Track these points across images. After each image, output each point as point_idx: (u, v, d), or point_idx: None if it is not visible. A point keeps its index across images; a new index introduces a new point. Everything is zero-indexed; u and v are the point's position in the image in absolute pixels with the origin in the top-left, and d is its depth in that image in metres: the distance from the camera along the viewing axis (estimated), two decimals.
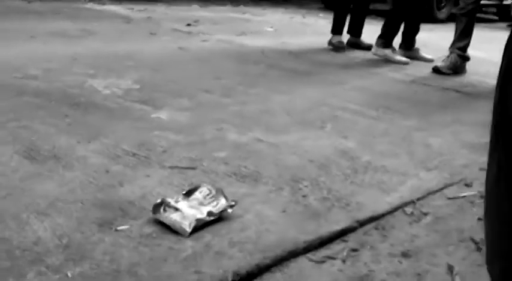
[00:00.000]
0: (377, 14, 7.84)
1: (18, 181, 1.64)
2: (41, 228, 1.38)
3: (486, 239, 0.78)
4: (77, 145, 1.96)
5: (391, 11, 4.67)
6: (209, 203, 1.52)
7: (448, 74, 3.99)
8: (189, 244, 1.37)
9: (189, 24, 5.56)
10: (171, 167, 1.84)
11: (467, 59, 4.18)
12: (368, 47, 4.87)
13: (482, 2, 8.74)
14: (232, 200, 1.55)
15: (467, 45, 4.13)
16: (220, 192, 1.56)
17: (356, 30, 5.04)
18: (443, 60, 4.10)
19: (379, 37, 4.47)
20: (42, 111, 2.31)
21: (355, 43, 5.01)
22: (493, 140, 0.75)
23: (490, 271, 0.76)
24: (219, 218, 1.49)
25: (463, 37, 4.08)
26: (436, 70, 4.04)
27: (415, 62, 4.47)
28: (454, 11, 9.17)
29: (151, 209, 1.48)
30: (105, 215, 1.47)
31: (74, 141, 2.00)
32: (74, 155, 1.87)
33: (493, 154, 0.75)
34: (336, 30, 4.89)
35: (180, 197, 1.54)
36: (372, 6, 5.54)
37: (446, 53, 4.15)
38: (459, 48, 4.10)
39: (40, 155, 1.84)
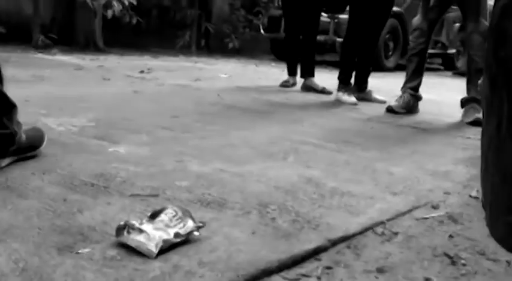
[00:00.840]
0: (327, 64, 8.00)
1: None
2: None
3: (486, 200, 0.76)
4: (32, 176, 1.87)
5: (342, 53, 4.78)
6: (175, 225, 1.44)
7: (402, 113, 4.04)
8: (156, 265, 1.29)
9: (142, 71, 5.53)
10: (133, 195, 1.76)
11: (419, 98, 4.25)
12: (322, 90, 4.97)
13: (428, 51, 9.09)
14: (200, 222, 1.48)
15: (419, 85, 4.22)
16: (187, 214, 1.49)
17: (307, 71, 5.21)
18: (396, 100, 4.16)
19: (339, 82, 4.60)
20: None
21: (310, 86, 5.11)
22: (489, 98, 0.74)
23: (494, 233, 0.74)
24: (186, 240, 1.42)
25: (414, 77, 4.17)
26: (390, 110, 4.10)
27: (369, 103, 4.53)
28: (400, 61, 9.47)
29: (114, 232, 1.40)
30: (65, 239, 1.38)
31: (28, 173, 1.90)
32: (28, 186, 1.77)
33: (489, 111, 0.74)
34: (289, 71, 5.12)
35: (145, 220, 1.46)
36: (321, 58, 5.71)
37: (396, 97, 4.22)
38: (411, 88, 4.18)
39: None
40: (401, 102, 4.12)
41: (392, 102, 4.15)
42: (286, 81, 5.34)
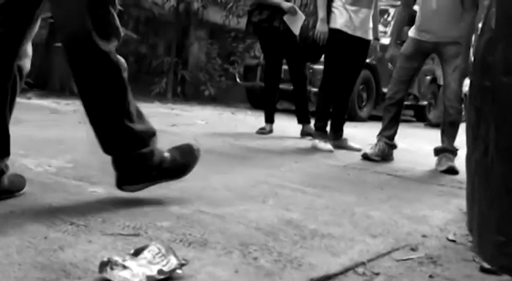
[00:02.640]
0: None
1: None
2: None
3: (473, 224, 0.79)
4: (10, 215, 1.85)
5: (318, 102, 4.87)
6: (159, 262, 1.44)
7: (377, 161, 4.10)
8: None
9: None
10: (114, 234, 1.75)
11: (394, 147, 4.33)
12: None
13: None
14: (183, 259, 1.48)
15: (395, 133, 4.30)
16: (170, 251, 1.49)
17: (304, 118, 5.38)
18: (371, 148, 4.22)
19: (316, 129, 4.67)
20: None
21: (308, 132, 5.26)
22: (475, 125, 0.78)
23: (483, 254, 0.76)
24: (169, 277, 1.41)
25: (390, 126, 4.25)
26: (366, 157, 4.15)
27: (344, 151, 4.59)
28: (373, 112, 9.63)
29: (96, 269, 1.39)
30: (47, 276, 1.37)
31: (6, 210, 1.89)
32: (7, 223, 1.75)
33: (476, 137, 0.78)
34: (266, 119, 5.48)
35: (128, 257, 1.45)
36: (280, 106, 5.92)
37: (371, 146, 4.29)
38: (386, 137, 4.26)
39: None
40: (376, 150, 4.18)
41: (367, 149, 4.20)
42: (262, 129, 5.42)
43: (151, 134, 2.18)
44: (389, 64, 4.47)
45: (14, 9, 2.02)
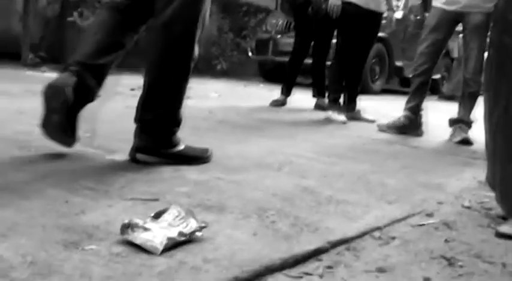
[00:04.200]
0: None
1: None
2: (1, 248, 1.29)
3: (495, 181, 0.81)
4: (32, 181, 1.88)
5: (331, 75, 4.87)
6: (179, 224, 1.46)
7: (396, 133, 4.04)
8: (162, 260, 1.31)
9: (133, 89, 5.55)
10: (133, 199, 1.78)
11: (419, 118, 4.23)
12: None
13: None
14: (203, 222, 1.51)
15: (418, 106, 4.21)
16: (190, 213, 1.51)
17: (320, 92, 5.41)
18: (392, 120, 4.16)
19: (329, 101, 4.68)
20: None
21: (322, 105, 5.27)
22: (496, 82, 0.79)
23: (506, 208, 0.78)
24: (189, 239, 1.44)
25: (413, 98, 4.19)
26: (383, 128, 4.09)
27: (358, 122, 4.60)
28: (386, 86, 9.59)
29: (118, 231, 1.42)
30: (70, 237, 1.40)
31: (28, 178, 1.91)
32: (29, 188, 1.78)
33: (497, 94, 0.79)
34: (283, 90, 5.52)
35: (148, 219, 1.48)
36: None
37: (385, 117, 4.27)
38: (408, 109, 4.19)
39: None
40: (397, 122, 4.12)
41: (387, 121, 4.14)
42: (276, 100, 5.42)
43: (181, 122, 2.39)
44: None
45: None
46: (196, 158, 2.40)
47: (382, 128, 4.11)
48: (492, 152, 0.81)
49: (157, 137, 2.32)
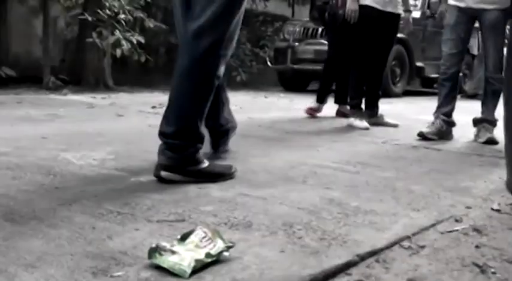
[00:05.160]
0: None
1: (0, 240, 1.56)
2: (31, 279, 1.30)
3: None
4: (59, 207, 1.90)
5: (351, 80, 4.84)
6: (206, 245, 1.46)
7: (434, 140, 3.92)
8: None
9: (154, 107, 5.60)
10: (159, 221, 1.78)
11: (452, 124, 4.15)
12: None
13: (432, 76, 9.11)
14: (230, 241, 1.50)
15: (452, 110, 4.12)
16: (216, 234, 1.51)
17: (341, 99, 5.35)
18: (428, 126, 4.04)
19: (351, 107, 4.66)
20: (17, 181, 2.25)
21: (343, 112, 5.24)
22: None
23: None
24: (217, 260, 1.44)
25: (446, 102, 4.10)
26: (422, 135, 3.95)
27: (381, 128, 4.56)
28: (407, 87, 9.53)
29: (145, 255, 1.42)
30: (98, 264, 1.40)
31: (54, 204, 1.93)
32: (56, 216, 1.80)
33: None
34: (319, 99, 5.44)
35: (175, 242, 1.48)
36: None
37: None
38: (443, 114, 4.08)
39: (21, 218, 1.76)
40: (433, 128, 4.00)
41: (424, 128, 4.01)
42: (313, 109, 5.41)
43: (203, 138, 2.41)
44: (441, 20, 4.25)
45: None
46: (220, 175, 2.40)
47: (422, 136, 3.95)
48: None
49: (181, 154, 2.32)
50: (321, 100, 5.48)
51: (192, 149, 2.34)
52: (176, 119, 2.33)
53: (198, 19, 2.29)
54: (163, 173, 2.30)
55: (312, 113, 5.38)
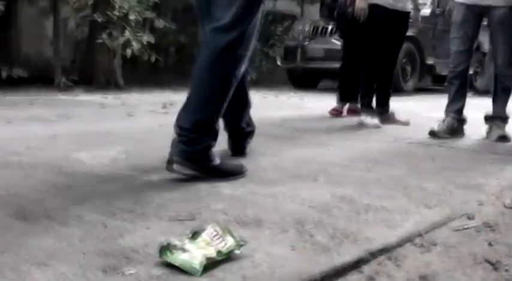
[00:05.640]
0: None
1: (12, 238, 1.57)
2: (43, 277, 1.31)
3: None
4: (70, 206, 1.90)
5: (361, 78, 4.82)
6: (217, 243, 1.46)
7: (446, 138, 3.88)
8: None
9: (165, 106, 5.61)
10: (170, 219, 1.79)
11: (464, 121, 4.12)
12: None
13: (444, 73, 9.07)
14: (241, 239, 1.50)
15: (463, 107, 4.10)
16: (227, 232, 1.51)
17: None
18: (439, 124, 4.00)
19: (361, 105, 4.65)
20: (29, 180, 2.26)
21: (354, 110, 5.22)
22: None
23: None
24: (228, 257, 1.43)
25: (456, 99, 4.07)
26: (433, 134, 3.91)
27: (392, 125, 4.54)
28: (418, 85, 9.49)
29: (157, 253, 1.42)
30: (110, 262, 1.41)
31: (66, 203, 1.94)
32: (68, 215, 1.80)
33: None
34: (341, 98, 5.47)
35: (186, 240, 1.48)
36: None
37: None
38: (454, 111, 4.06)
39: (33, 216, 1.77)
40: (444, 126, 3.97)
41: (435, 126, 3.97)
42: (334, 109, 5.40)
43: (217, 135, 2.42)
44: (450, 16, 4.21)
45: None
46: (232, 173, 2.40)
47: (434, 134, 3.92)
48: None
49: (194, 148, 2.33)
50: (341, 100, 5.46)
51: (205, 144, 2.35)
52: (193, 113, 2.34)
53: (218, 20, 2.34)
54: (175, 167, 2.32)
55: (336, 113, 5.36)
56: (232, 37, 2.32)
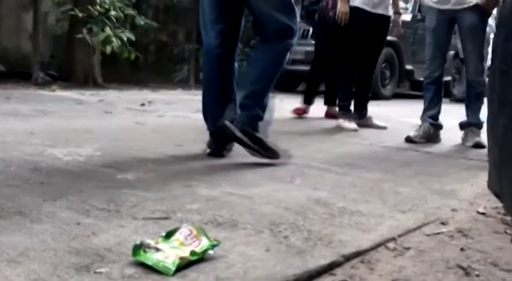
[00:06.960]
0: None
1: None
2: (13, 274, 1.29)
3: (505, 189, 0.80)
4: (43, 203, 1.88)
5: (340, 81, 4.85)
6: (191, 243, 1.46)
7: (422, 143, 3.91)
8: None
9: (143, 104, 5.58)
10: (144, 218, 1.77)
11: (440, 127, 4.15)
12: None
13: (422, 79, 9.16)
14: (215, 240, 1.50)
15: (438, 113, 4.13)
16: (201, 232, 1.50)
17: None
18: (415, 130, 4.04)
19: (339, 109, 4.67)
20: (2, 176, 2.23)
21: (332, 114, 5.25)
22: (500, 89, 0.78)
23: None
24: (202, 258, 1.43)
25: (432, 105, 4.10)
26: (409, 139, 3.94)
27: (370, 130, 4.57)
28: (397, 90, 9.56)
29: (130, 252, 1.41)
30: (82, 260, 1.39)
31: (39, 199, 1.91)
32: (41, 211, 1.78)
33: (503, 102, 0.78)
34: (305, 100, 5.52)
35: (160, 239, 1.47)
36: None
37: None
38: (430, 117, 4.09)
39: (4, 212, 1.75)
40: (421, 132, 4.00)
41: (411, 132, 4.01)
42: (298, 109, 5.43)
43: (266, 108, 2.78)
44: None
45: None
46: (272, 150, 2.64)
47: (410, 140, 3.95)
48: (499, 160, 0.81)
49: (247, 113, 2.62)
50: (308, 101, 5.50)
51: (256, 112, 2.68)
52: (250, 84, 2.72)
53: (286, 26, 2.81)
54: (227, 122, 2.57)
55: (299, 113, 5.40)
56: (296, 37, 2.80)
